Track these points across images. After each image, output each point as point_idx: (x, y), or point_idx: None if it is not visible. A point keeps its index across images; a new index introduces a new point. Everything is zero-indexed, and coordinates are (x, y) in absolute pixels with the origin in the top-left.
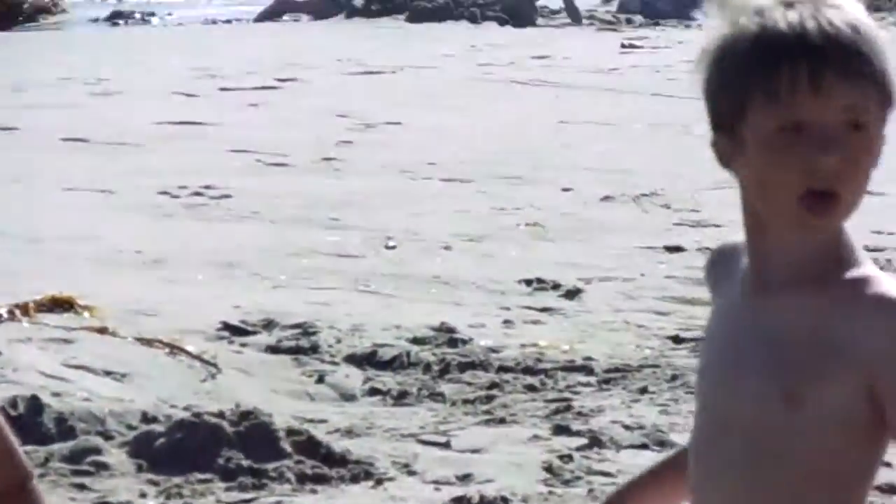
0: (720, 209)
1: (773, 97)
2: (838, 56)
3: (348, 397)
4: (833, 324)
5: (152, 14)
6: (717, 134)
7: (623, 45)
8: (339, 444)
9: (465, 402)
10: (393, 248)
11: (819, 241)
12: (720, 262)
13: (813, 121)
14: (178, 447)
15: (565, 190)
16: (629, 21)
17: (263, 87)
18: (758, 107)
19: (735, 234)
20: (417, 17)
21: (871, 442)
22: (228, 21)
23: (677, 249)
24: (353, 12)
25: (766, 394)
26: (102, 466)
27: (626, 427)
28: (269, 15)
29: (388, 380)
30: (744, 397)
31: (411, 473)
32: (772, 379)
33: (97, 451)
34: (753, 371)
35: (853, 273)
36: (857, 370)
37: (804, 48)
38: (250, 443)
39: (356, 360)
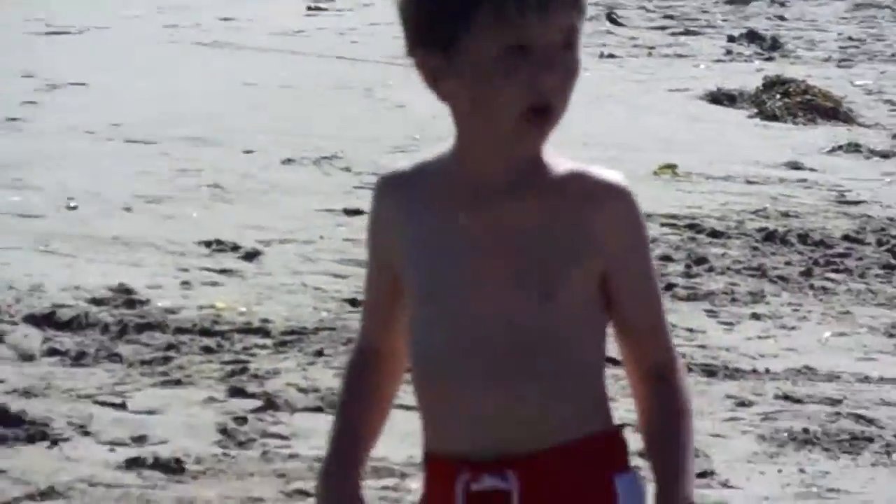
0: None
1: (502, 18)
2: None
3: (26, 357)
4: (572, 219)
5: None
6: (428, 53)
7: (309, 8)
8: (16, 405)
9: (142, 363)
10: (74, 208)
11: (535, 150)
12: (394, 190)
13: (537, 42)
14: None
15: (247, 152)
16: None
17: None
18: (484, 27)
19: None
20: None
21: (604, 330)
22: None
23: (356, 213)
24: None
25: (522, 294)
26: None
27: (301, 390)
28: None
29: (66, 340)
30: (501, 302)
31: (86, 434)
32: (526, 279)
33: None
34: (506, 277)
35: (572, 171)
36: (599, 258)
37: None
38: None
39: (35, 320)
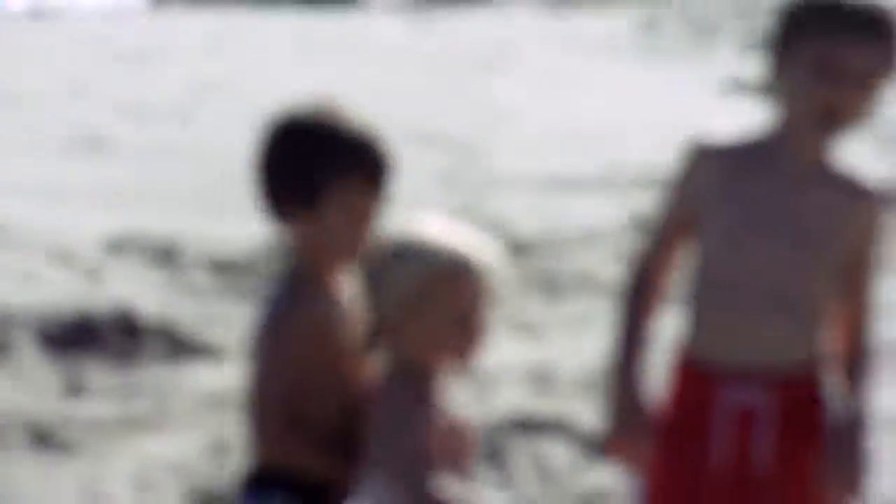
0: None
1: (829, 38)
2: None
3: None
4: (844, 203)
5: None
6: (772, 53)
7: None
8: None
9: None
10: None
11: (822, 141)
12: (717, 156)
13: (841, 60)
14: None
15: None
16: None
17: None
18: (808, 41)
19: None
20: None
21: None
22: None
23: None
24: None
25: (806, 254)
26: None
27: None
28: None
29: None
30: (789, 251)
31: None
32: (811, 243)
33: None
34: (798, 238)
35: (849, 174)
36: (849, 239)
37: (858, 15)
38: None
39: None
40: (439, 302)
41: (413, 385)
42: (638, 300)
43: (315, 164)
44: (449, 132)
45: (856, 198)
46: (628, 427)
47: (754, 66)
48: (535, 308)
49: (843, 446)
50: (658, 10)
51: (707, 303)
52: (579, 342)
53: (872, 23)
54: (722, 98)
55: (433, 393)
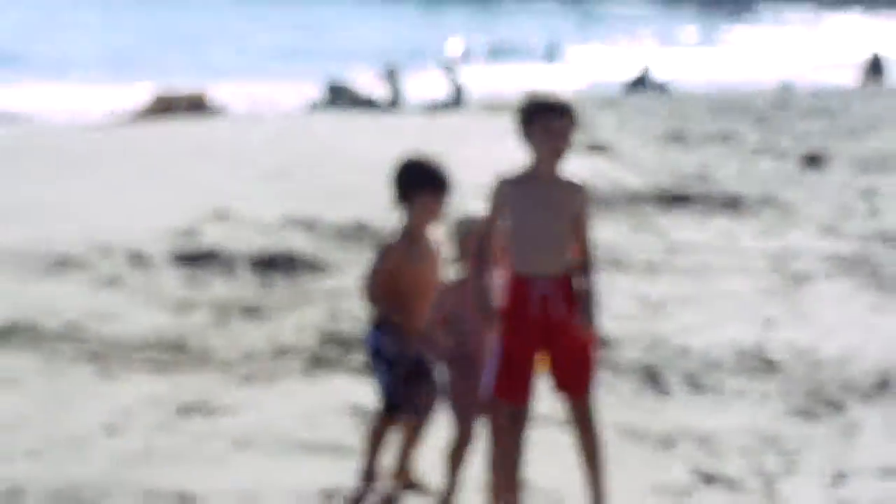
0: None
1: (547, 118)
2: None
3: None
4: (571, 195)
5: None
6: (522, 126)
7: None
8: None
9: None
10: None
11: (555, 163)
12: (509, 181)
13: (555, 128)
14: None
15: None
16: None
17: None
18: (539, 121)
19: None
20: None
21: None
22: None
23: None
24: None
25: (559, 219)
26: None
27: None
28: None
29: None
30: (552, 221)
31: None
32: (560, 213)
33: None
34: (554, 211)
35: (569, 179)
36: (576, 208)
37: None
38: None
39: None
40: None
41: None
42: (483, 254)
43: (409, 182)
44: None
45: (574, 188)
46: (487, 312)
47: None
48: None
49: (588, 308)
50: None
51: (520, 248)
52: None
53: (563, 108)
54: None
55: None
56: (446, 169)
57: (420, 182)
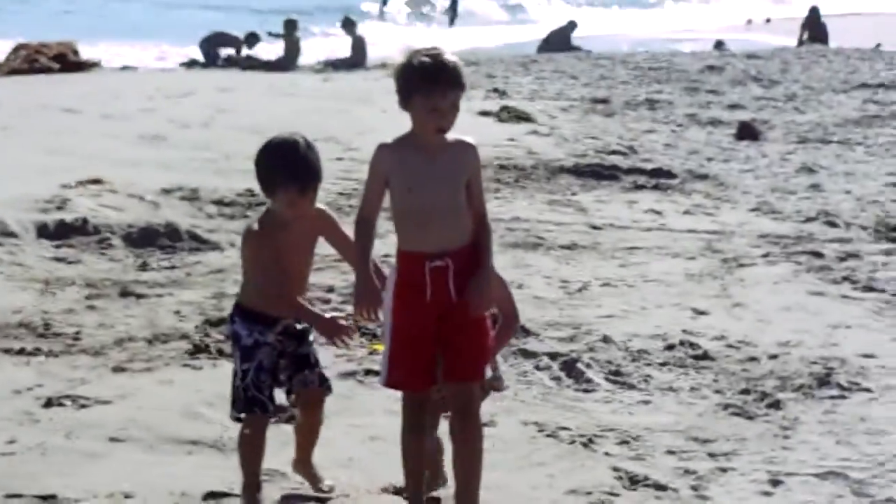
0: None
1: (428, 95)
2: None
3: None
4: (461, 159)
5: None
6: (399, 99)
7: None
8: None
9: None
10: None
11: (441, 140)
12: (392, 149)
13: (440, 106)
14: None
15: None
16: None
17: None
18: (419, 97)
19: None
20: None
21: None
22: None
23: None
24: None
25: (451, 190)
26: None
27: None
28: None
29: None
30: (441, 192)
31: None
32: (452, 183)
33: None
34: (445, 183)
35: (457, 139)
36: (468, 174)
37: (438, 76)
38: None
39: None
40: None
41: None
42: (363, 232)
43: (270, 175)
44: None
45: (464, 148)
46: (366, 294)
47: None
48: None
49: (482, 283)
50: None
51: (408, 223)
52: None
53: (449, 79)
54: (474, 120)
55: None
56: (313, 156)
57: (282, 177)
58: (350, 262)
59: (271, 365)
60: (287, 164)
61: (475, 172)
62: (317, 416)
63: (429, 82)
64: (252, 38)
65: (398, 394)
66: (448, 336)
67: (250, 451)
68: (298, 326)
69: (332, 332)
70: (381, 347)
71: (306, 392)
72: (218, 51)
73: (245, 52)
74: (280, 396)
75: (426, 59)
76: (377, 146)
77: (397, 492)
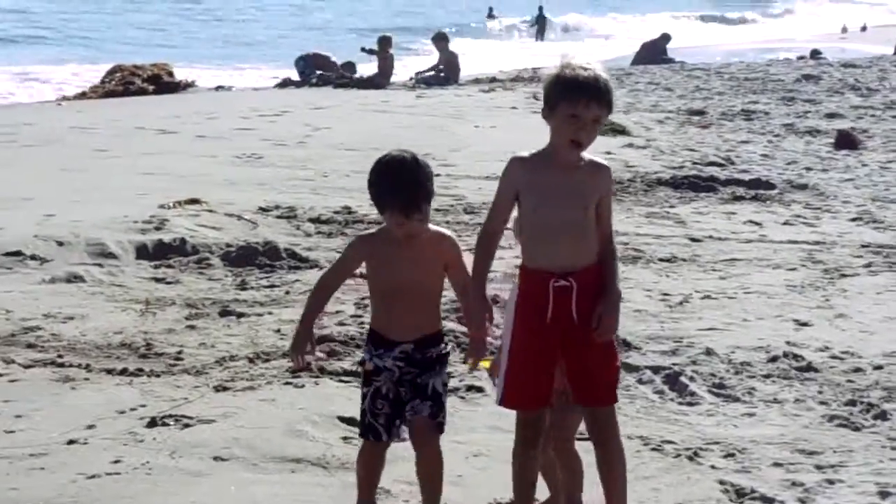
0: None
1: (572, 103)
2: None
3: None
4: (592, 179)
5: None
6: (544, 107)
7: None
8: None
9: None
10: None
11: (573, 156)
12: (525, 163)
13: (582, 116)
14: None
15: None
16: None
17: None
18: (563, 105)
19: None
20: None
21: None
22: None
23: None
24: None
25: (580, 208)
26: None
27: None
28: None
29: None
30: (572, 211)
31: None
32: (581, 202)
33: None
34: (575, 201)
35: (590, 159)
36: (599, 193)
37: (586, 88)
38: None
39: None
40: None
41: None
42: (485, 246)
43: (377, 194)
44: (432, 151)
45: (596, 169)
46: (479, 312)
47: None
48: None
49: (609, 304)
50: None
51: (535, 240)
52: None
53: (596, 91)
54: None
55: None
56: (422, 175)
57: (387, 198)
58: (462, 305)
59: (390, 392)
60: (392, 185)
61: (606, 193)
62: (426, 454)
63: (575, 91)
64: (348, 67)
65: (501, 410)
66: (576, 359)
67: (364, 474)
68: (421, 354)
69: None
70: (486, 364)
71: (414, 421)
72: (313, 69)
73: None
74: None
75: (578, 70)
76: (510, 158)
77: None
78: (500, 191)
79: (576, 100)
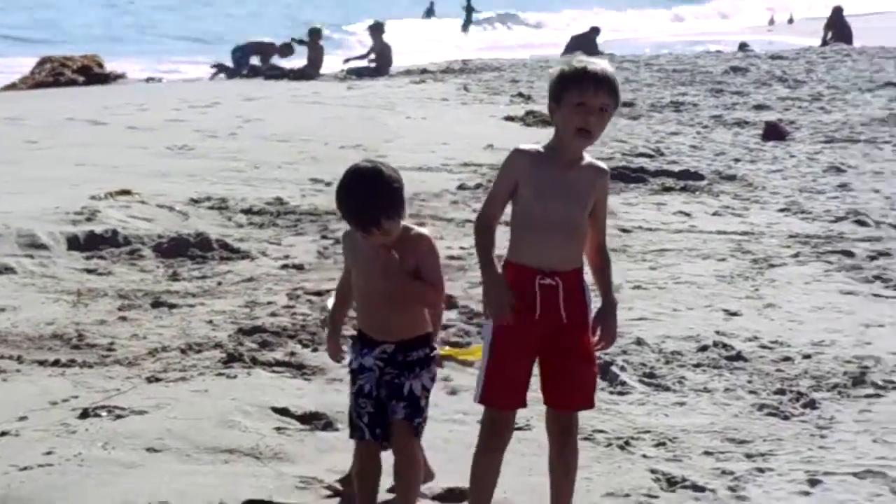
0: None
1: (580, 90)
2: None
3: None
4: (592, 180)
5: None
6: (550, 102)
7: None
8: None
9: None
10: None
11: (581, 147)
12: (527, 155)
13: (589, 103)
14: None
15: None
16: None
17: None
18: (571, 93)
19: None
20: None
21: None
22: None
23: None
24: None
25: (577, 207)
26: None
27: None
28: None
29: None
30: (570, 209)
31: None
32: (579, 201)
33: None
34: (573, 199)
35: (591, 161)
36: (596, 195)
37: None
38: None
39: None
40: None
41: None
42: (487, 233)
43: (339, 208)
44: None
45: (596, 172)
46: (502, 294)
47: (517, 110)
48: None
49: (609, 314)
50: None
51: (527, 235)
52: None
53: (603, 81)
54: (500, 125)
55: None
56: (382, 188)
57: (344, 214)
58: (419, 302)
59: (372, 391)
60: (346, 201)
61: (602, 197)
62: (399, 458)
63: (582, 79)
64: (286, 48)
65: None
66: (558, 361)
67: (357, 479)
68: (403, 356)
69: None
70: (458, 355)
71: (391, 423)
72: (249, 59)
73: (273, 61)
74: None
75: (586, 62)
76: (513, 149)
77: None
78: (499, 180)
79: (583, 87)
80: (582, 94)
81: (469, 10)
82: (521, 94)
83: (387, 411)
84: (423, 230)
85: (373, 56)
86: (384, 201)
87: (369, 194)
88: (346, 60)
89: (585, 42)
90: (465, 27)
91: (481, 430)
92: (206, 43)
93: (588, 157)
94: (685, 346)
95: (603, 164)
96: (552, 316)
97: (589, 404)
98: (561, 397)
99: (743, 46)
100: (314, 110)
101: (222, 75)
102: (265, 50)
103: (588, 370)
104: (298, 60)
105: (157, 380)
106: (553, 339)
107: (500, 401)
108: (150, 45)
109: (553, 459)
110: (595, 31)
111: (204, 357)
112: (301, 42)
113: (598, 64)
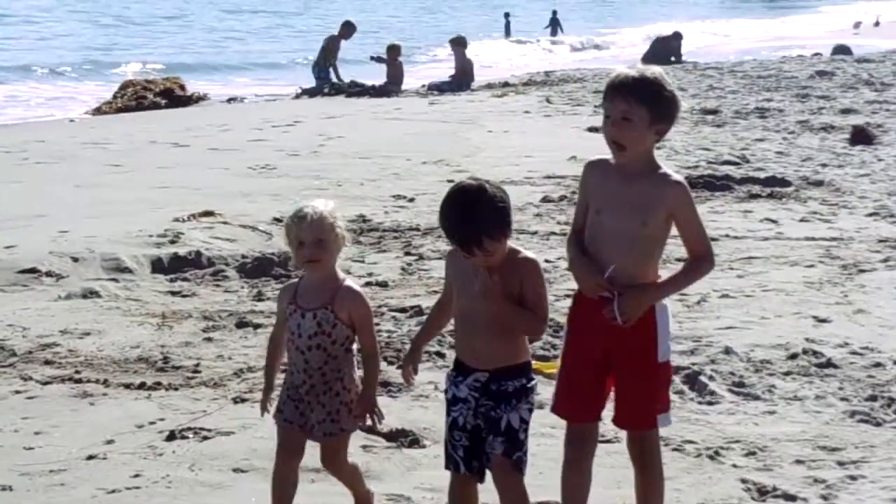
0: None
1: (603, 106)
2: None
3: None
4: (658, 192)
5: None
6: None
7: None
8: None
9: None
10: None
11: (620, 159)
12: (597, 167)
13: (610, 114)
14: None
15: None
16: None
17: None
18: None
19: None
20: None
21: (665, 237)
22: None
23: None
24: None
25: (636, 220)
26: None
27: None
28: None
29: None
30: (627, 222)
31: None
32: (639, 214)
33: None
34: (631, 211)
35: (662, 170)
36: (666, 209)
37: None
38: None
39: None
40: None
41: None
42: (576, 238)
43: (442, 226)
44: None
45: (662, 184)
46: (588, 272)
47: (600, 121)
48: None
49: (636, 292)
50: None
51: (591, 246)
52: None
53: (621, 86)
54: (583, 136)
55: None
56: (481, 208)
57: (447, 234)
58: (519, 328)
59: (468, 423)
60: (448, 221)
61: (679, 209)
62: (505, 497)
63: (605, 91)
64: (346, 27)
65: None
66: (618, 378)
67: None
68: (497, 385)
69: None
70: (545, 369)
71: (492, 460)
72: (328, 72)
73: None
74: None
75: (618, 71)
76: (587, 162)
77: None
78: (579, 193)
79: (605, 98)
80: (605, 105)
81: (555, 21)
82: None
83: (484, 444)
84: (531, 254)
85: (455, 73)
86: (487, 221)
87: (471, 213)
88: (429, 83)
89: (667, 47)
90: (553, 33)
91: (564, 442)
92: (280, 69)
93: (665, 168)
94: (774, 355)
95: (677, 176)
96: (614, 329)
97: (644, 425)
98: (619, 415)
99: (840, 50)
100: (396, 126)
101: (305, 95)
102: (333, 45)
103: (642, 389)
104: (378, 78)
105: (243, 400)
106: (616, 357)
107: (569, 413)
108: (229, 66)
109: (635, 483)
110: (678, 36)
111: None
112: (380, 59)
113: (625, 72)
